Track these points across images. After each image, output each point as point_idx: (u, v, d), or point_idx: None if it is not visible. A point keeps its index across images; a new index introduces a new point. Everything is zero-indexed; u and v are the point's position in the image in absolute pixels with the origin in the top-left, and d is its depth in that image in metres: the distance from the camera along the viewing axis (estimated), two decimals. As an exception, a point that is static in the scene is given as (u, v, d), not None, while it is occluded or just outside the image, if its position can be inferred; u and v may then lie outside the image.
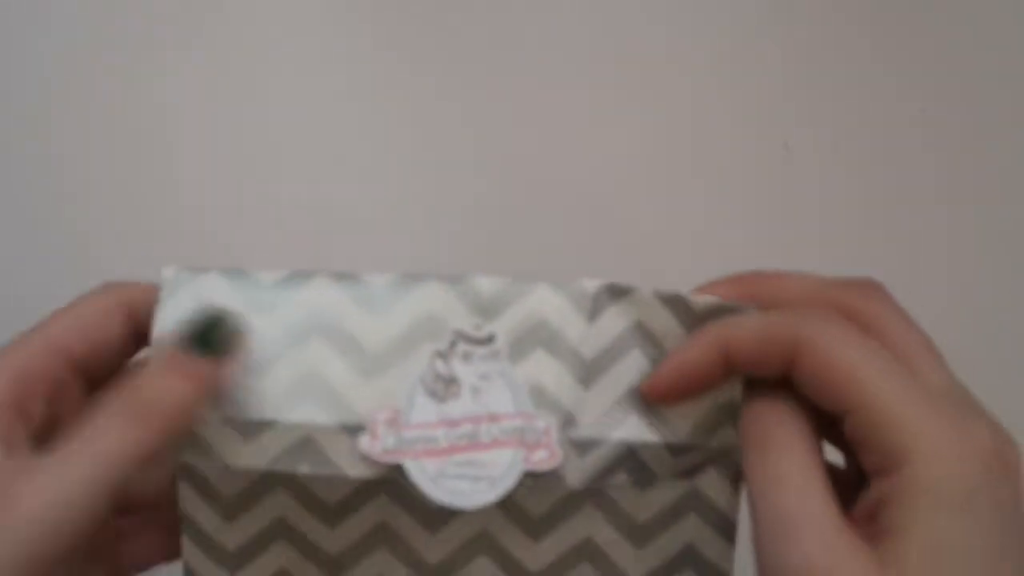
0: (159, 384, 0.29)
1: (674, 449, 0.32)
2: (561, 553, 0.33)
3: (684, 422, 0.32)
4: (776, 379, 0.30)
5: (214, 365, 0.30)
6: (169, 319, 0.31)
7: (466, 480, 0.31)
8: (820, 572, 0.27)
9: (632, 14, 0.45)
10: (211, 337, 0.30)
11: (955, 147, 0.47)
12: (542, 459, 0.31)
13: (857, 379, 0.28)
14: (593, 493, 0.32)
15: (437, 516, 0.33)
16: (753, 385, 0.31)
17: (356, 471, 0.31)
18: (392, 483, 0.32)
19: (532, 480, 0.31)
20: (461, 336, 0.32)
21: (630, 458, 0.32)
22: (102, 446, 0.28)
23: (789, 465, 0.29)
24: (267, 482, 0.32)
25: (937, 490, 0.27)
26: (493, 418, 0.31)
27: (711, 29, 0.45)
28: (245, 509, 0.33)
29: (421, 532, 0.33)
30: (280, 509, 0.33)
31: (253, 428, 0.31)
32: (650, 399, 0.32)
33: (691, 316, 0.32)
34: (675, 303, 0.32)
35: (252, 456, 0.31)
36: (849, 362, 0.29)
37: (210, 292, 0.31)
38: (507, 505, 0.32)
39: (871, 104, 0.47)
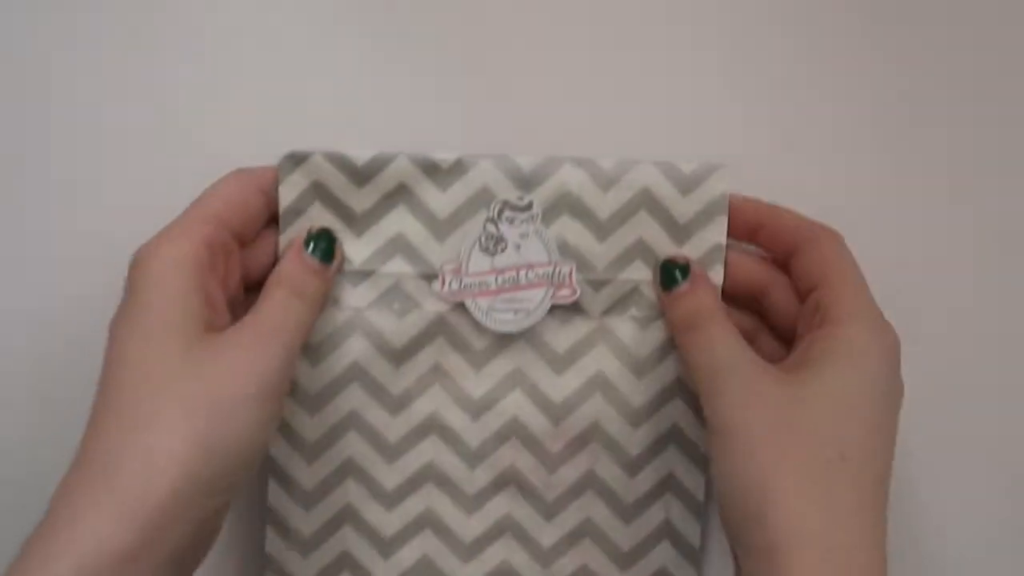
0: (304, 277, 0.40)
1: None
2: (579, 385, 0.43)
3: None
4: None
5: (328, 267, 0.41)
6: (289, 195, 0.41)
7: (509, 312, 0.42)
8: (743, 408, 0.38)
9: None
10: (327, 248, 0.41)
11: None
12: (565, 295, 0.42)
13: (840, 269, 0.40)
14: (605, 333, 0.43)
15: (481, 356, 0.43)
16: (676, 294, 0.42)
17: (432, 306, 0.42)
18: (448, 327, 0.42)
19: (560, 310, 0.43)
20: (507, 205, 0.42)
21: (637, 295, 0.43)
22: (286, 321, 0.38)
23: (717, 332, 0.40)
24: (349, 327, 0.42)
25: (851, 345, 0.39)
26: (530, 267, 0.42)
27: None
28: (329, 352, 0.43)
29: (468, 370, 0.43)
30: (355, 353, 0.43)
31: (358, 277, 0.42)
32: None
33: (684, 180, 0.42)
34: (671, 171, 0.42)
35: (357, 298, 0.42)
36: (839, 259, 0.41)
37: (316, 171, 0.41)
38: (536, 344, 0.43)
39: None
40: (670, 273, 0.42)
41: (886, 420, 0.39)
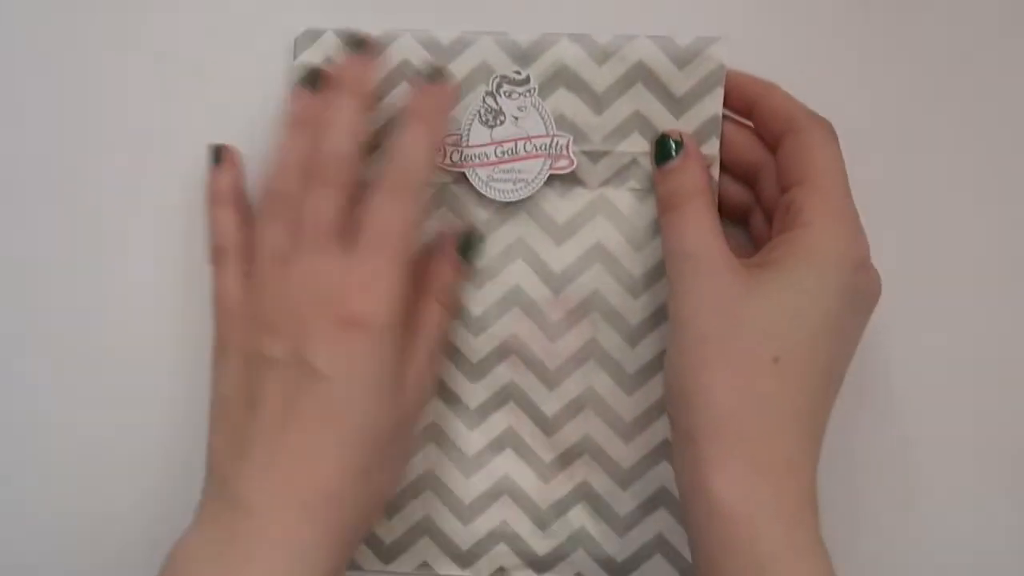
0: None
1: None
2: (579, 255, 0.45)
3: None
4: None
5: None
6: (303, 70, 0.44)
7: (509, 182, 0.44)
8: (696, 300, 0.39)
9: None
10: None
11: None
12: (563, 165, 0.44)
13: (821, 168, 0.40)
14: (604, 204, 0.44)
15: (484, 227, 0.45)
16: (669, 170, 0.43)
17: (435, 178, 0.44)
18: (451, 198, 0.44)
19: (559, 182, 0.44)
20: (505, 79, 0.44)
21: (635, 167, 0.44)
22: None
23: (692, 216, 0.41)
24: None
25: (812, 250, 0.39)
26: (528, 138, 0.44)
27: None
28: None
29: None
30: None
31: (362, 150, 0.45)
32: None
33: (680, 53, 0.43)
34: (667, 44, 0.43)
35: (361, 171, 0.45)
36: (822, 157, 0.40)
37: (329, 47, 0.44)
38: (537, 215, 0.44)
39: None
40: (664, 147, 0.43)
41: (838, 329, 0.39)
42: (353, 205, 0.41)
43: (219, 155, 0.44)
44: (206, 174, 0.45)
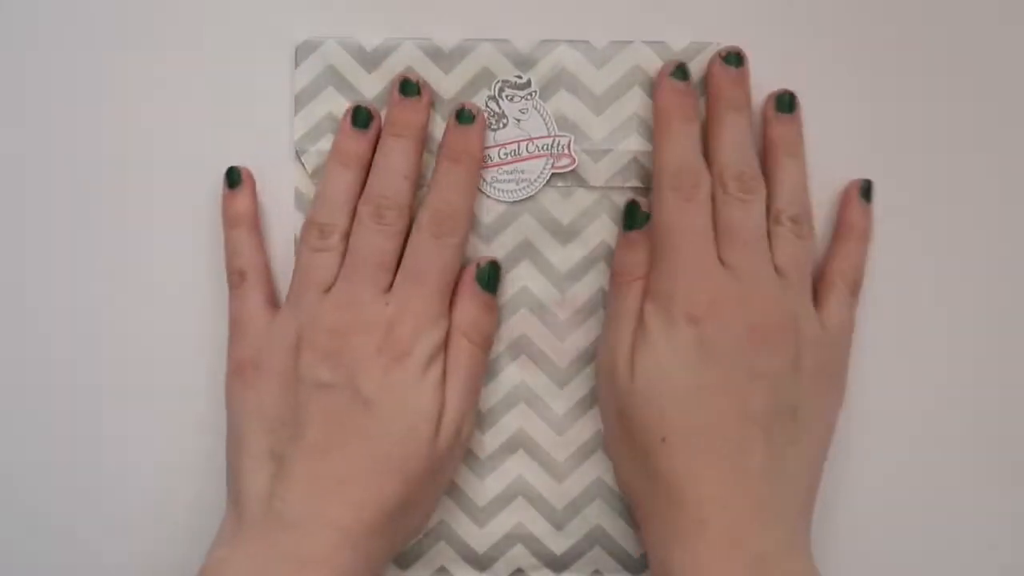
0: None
1: None
2: (584, 255, 0.45)
3: None
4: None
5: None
6: (304, 79, 0.45)
7: (512, 183, 0.45)
8: (607, 369, 0.42)
9: None
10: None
11: None
12: (565, 164, 0.45)
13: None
14: (606, 204, 0.45)
15: (490, 229, 0.45)
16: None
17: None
18: None
19: (562, 184, 0.45)
20: (506, 83, 0.45)
21: (636, 166, 0.45)
22: None
23: (629, 303, 0.43)
24: None
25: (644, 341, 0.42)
26: (530, 139, 0.45)
27: None
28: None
29: (477, 244, 0.45)
30: None
31: None
32: None
33: (673, 57, 0.44)
34: (662, 50, 0.44)
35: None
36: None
37: (329, 56, 0.45)
38: (541, 217, 0.45)
39: None
40: (631, 215, 0.44)
41: (693, 386, 0.40)
42: (403, 245, 0.43)
43: (236, 178, 0.45)
44: (222, 197, 0.45)
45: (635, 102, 0.45)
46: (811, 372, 0.41)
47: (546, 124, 0.45)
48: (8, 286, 0.46)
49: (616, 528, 0.45)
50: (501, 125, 0.45)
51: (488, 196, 0.45)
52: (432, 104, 0.44)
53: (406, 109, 0.44)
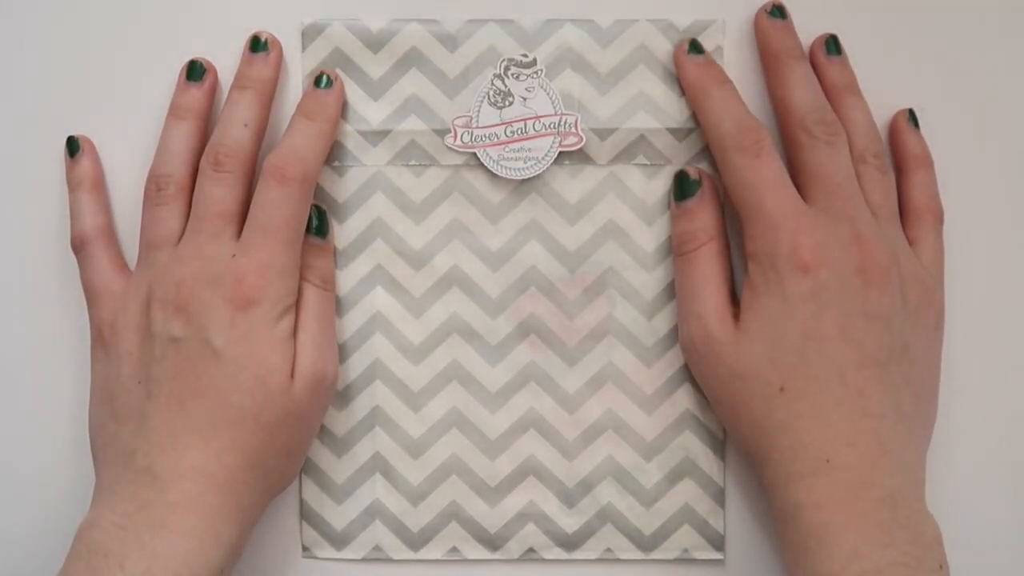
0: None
1: (676, 133, 0.45)
2: (592, 233, 0.45)
3: (680, 111, 0.45)
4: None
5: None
6: (312, 62, 0.45)
7: (519, 161, 0.45)
8: (703, 337, 0.42)
9: None
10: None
11: None
12: (572, 142, 0.45)
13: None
14: (614, 182, 0.45)
15: (497, 209, 0.45)
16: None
17: (448, 160, 0.45)
18: (464, 182, 0.45)
19: (569, 163, 0.45)
20: (512, 62, 0.45)
21: (644, 143, 0.45)
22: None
23: (702, 269, 0.43)
24: (371, 185, 0.45)
25: (758, 278, 0.41)
26: (537, 117, 0.45)
27: None
28: (353, 210, 0.45)
29: (485, 223, 0.45)
30: (378, 211, 0.45)
31: (376, 136, 0.45)
32: None
33: (678, 35, 0.44)
34: (667, 28, 0.45)
35: (376, 157, 0.45)
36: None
37: (336, 38, 0.45)
38: (549, 196, 0.45)
39: None
40: (683, 184, 0.44)
41: (819, 333, 0.40)
42: (247, 194, 0.43)
43: (75, 146, 0.45)
44: (65, 167, 0.45)
45: (641, 80, 0.45)
46: (916, 308, 0.41)
47: (552, 103, 0.45)
48: None
49: (627, 506, 0.45)
50: (507, 103, 0.45)
51: (496, 174, 0.45)
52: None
53: (253, 64, 0.44)
